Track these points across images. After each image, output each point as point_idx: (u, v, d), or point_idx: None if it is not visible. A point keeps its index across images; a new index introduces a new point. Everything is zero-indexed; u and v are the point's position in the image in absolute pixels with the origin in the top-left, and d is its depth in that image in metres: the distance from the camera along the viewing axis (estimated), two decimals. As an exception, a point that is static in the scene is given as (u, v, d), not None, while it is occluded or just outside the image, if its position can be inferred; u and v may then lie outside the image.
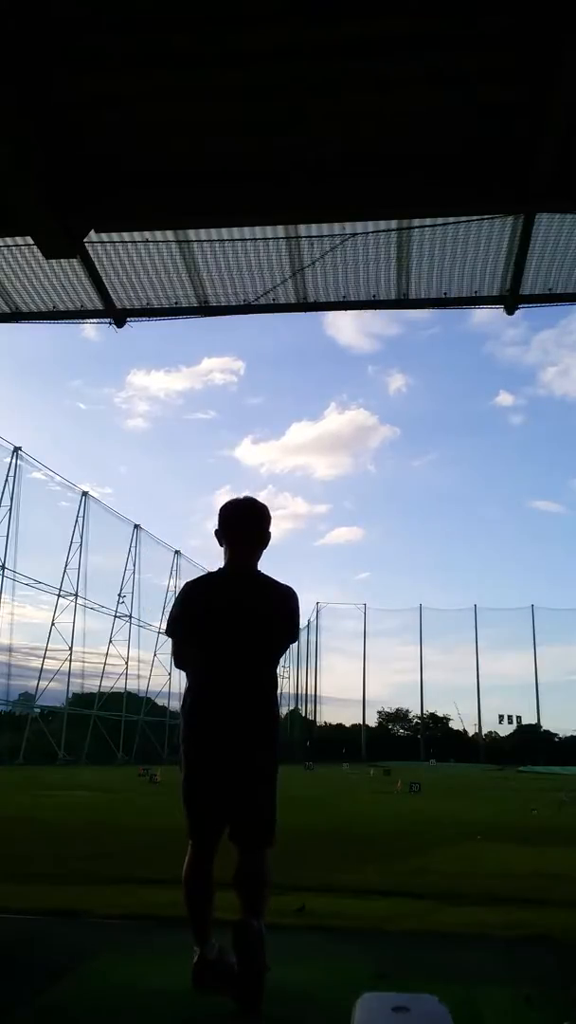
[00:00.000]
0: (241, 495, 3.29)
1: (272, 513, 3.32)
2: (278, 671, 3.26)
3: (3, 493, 34.72)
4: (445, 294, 4.24)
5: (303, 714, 71.02)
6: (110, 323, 4.41)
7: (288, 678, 67.57)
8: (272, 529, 3.29)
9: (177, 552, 52.24)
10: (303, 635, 70.40)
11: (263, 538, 3.24)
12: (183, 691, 3.24)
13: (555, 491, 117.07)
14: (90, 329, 75.50)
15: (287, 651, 3.27)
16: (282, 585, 3.23)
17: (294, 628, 3.18)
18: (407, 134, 3.38)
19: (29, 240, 3.88)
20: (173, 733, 50.92)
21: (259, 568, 3.22)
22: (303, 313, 4.39)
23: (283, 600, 3.18)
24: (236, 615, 3.10)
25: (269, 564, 3.28)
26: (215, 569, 3.26)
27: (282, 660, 3.29)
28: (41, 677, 38.85)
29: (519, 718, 70.95)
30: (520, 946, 3.83)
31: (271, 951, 2.76)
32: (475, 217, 3.79)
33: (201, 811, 3.00)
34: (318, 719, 74.35)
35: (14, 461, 35.47)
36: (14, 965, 3.36)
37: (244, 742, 2.99)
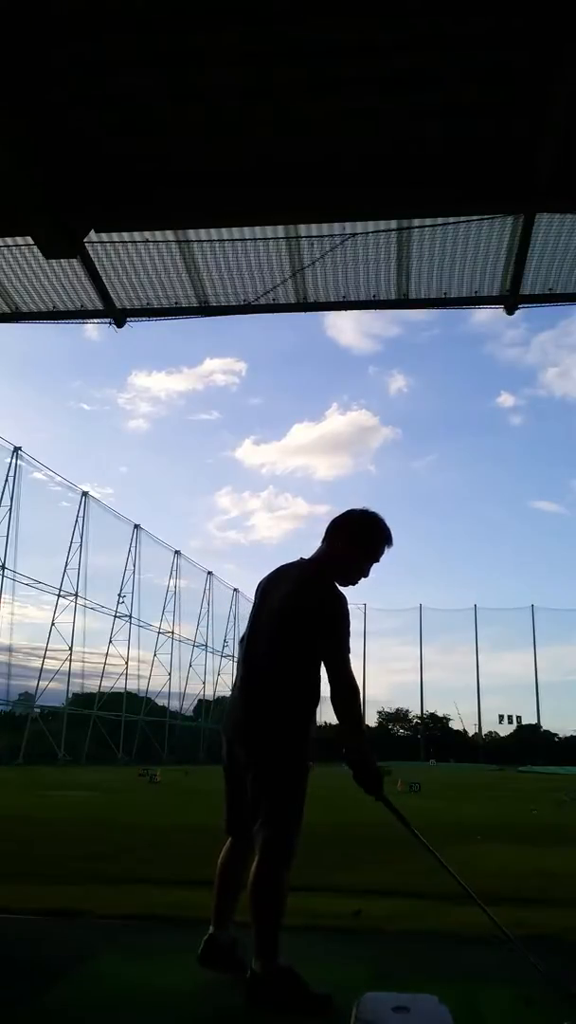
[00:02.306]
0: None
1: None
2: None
3: (3, 493, 34.75)
4: (445, 294, 4.24)
5: (303, 714, 70.91)
6: (110, 323, 4.41)
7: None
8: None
9: (177, 552, 52.30)
10: (303, 635, 70.18)
11: (326, 537, 3.16)
12: None
13: (555, 491, 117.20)
14: (92, 330, 75.15)
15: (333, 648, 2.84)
16: (308, 564, 3.04)
17: (317, 603, 2.89)
18: (407, 134, 3.38)
19: (29, 240, 3.88)
20: (173, 733, 50.96)
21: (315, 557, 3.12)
22: (303, 313, 4.39)
23: (303, 584, 2.96)
24: (258, 607, 3.06)
25: (269, 565, 3.27)
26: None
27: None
28: (41, 677, 38.92)
29: (519, 718, 71.02)
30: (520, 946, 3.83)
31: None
32: (475, 217, 3.79)
33: (225, 800, 3.08)
34: (318, 719, 74.27)
35: (14, 461, 35.52)
36: (14, 965, 3.35)
37: (242, 737, 2.98)
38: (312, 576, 3.01)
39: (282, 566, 3.17)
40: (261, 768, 2.88)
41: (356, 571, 3.08)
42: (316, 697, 2.95)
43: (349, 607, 2.95)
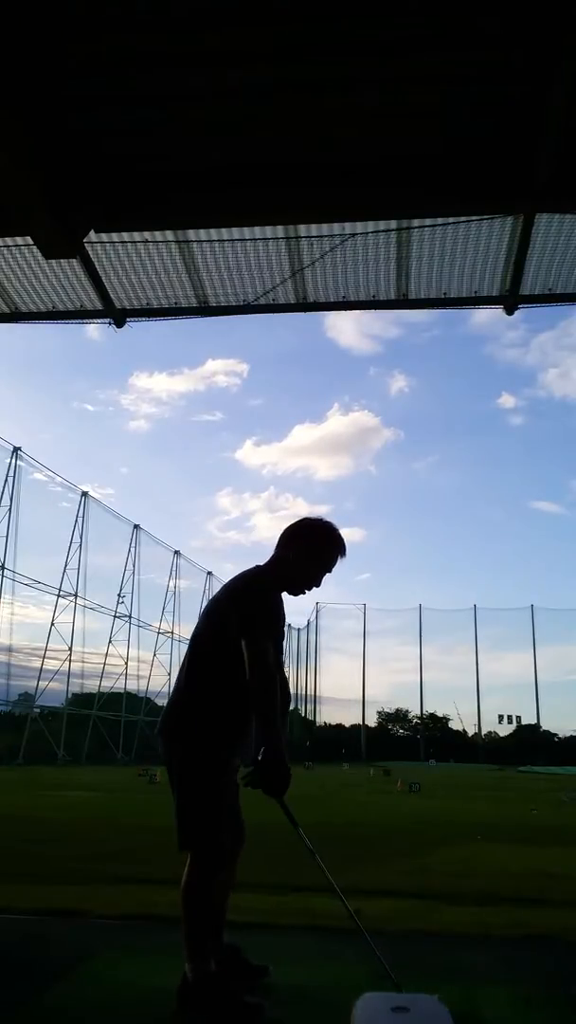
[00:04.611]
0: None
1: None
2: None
3: (3, 493, 34.73)
4: (445, 294, 4.24)
5: (303, 714, 71.01)
6: (110, 323, 4.41)
7: (288, 678, 67.52)
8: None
9: (177, 552, 52.32)
10: (303, 635, 70.33)
11: (278, 544, 3.10)
12: None
13: (555, 491, 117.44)
14: (92, 330, 75.57)
15: (250, 632, 2.75)
16: (248, 570, 3.00)
17: (233, 602, 2.87)
18: (407, 134, 3.38)
19: (29, 240, 3.88)
20: (173, 733, 50.89)
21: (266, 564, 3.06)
22: (303, 314, 4.39)
23: (234, 583, 2.97)
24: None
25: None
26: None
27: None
28: (41, 677, 38.91)
29: (519, 718, 71.07)
30: (520, 946, 3.83)
31: (271, 951, 2.76)
32: (475, 217, 3.78)
33: None
34: (317, 719, 74.41)
35: (14, 461, 35.50)
36: (14, 965, 3.36)
37: (164, 732, 2.94)
38: (242, 577, 2.98)
39: None
40: (170, 763, 2.88)
41: (306, 579, 3.01)
42: (232, 695, 2.83)
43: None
